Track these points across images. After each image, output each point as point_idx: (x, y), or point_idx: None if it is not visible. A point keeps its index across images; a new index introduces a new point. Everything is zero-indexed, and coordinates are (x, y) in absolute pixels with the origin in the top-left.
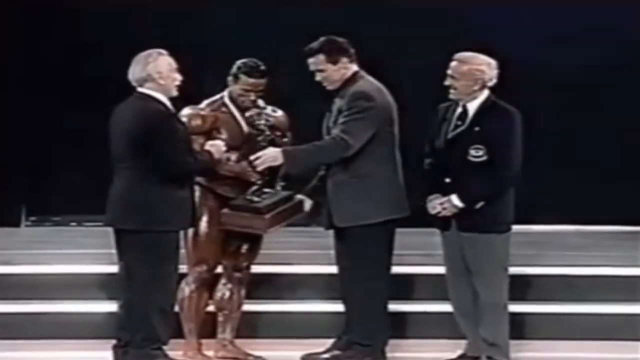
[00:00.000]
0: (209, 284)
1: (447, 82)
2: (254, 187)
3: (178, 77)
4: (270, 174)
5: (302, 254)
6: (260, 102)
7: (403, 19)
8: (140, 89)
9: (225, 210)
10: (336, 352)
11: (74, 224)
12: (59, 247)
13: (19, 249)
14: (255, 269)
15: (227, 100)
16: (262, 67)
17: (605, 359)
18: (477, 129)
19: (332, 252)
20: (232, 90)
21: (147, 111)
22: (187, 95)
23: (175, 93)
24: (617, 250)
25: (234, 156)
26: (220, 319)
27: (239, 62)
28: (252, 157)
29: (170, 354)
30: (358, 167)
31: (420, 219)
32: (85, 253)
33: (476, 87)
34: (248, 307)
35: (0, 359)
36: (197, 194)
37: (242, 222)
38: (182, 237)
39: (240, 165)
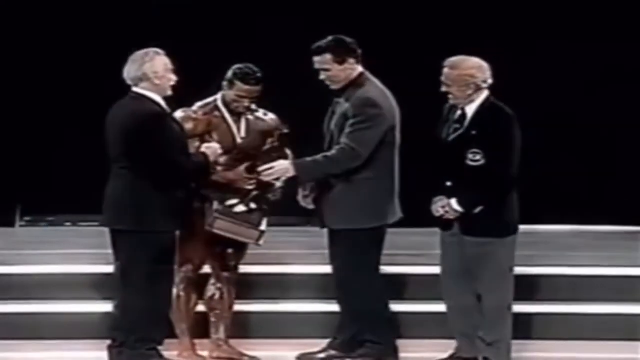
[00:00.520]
0: (196, 284)
1: (442, 89)
2: (251, 195)
3: (173, 78)
4: (263, 184)
5: (296, 253)
6: (253, 106)
7: None
8: (135, 89)
9: (219, 216)
10: (332, 352)
11: (68, 224)
12: (54, 247)
13: (13, 249)
14: (250, 269)
15: (220, 103)
16: (259, 74)
17: (606, 359)
18: (474, 132)
19: (327, 252)
20: (226, 95)
21: (142, 112)
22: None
23: (169, 93)
24: (618, 251)
25: (222, 159)
26: (212, 319)
27: (234, 68)
28: (262, 168)
29: (165, 354)
30: (356, 171)
31: (414, 218)
32: (80, 253)
33: (470, 91)
34: (242, 307)
35: None
36: None
37: (237, 230)
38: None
39: (235, 172)
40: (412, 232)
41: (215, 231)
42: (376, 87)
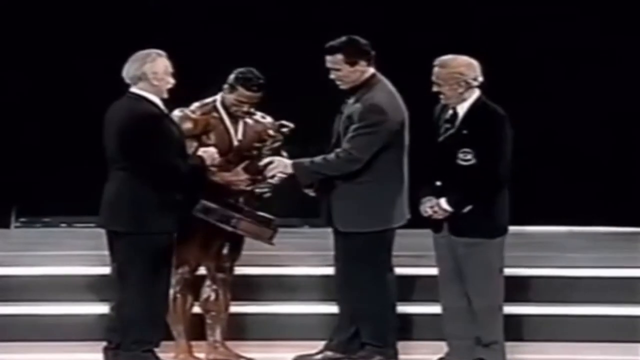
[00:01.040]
0: (192, 285)
1: (434, 89)
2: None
3: (171, 81)
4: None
5: (294, 255)
6: (252, 110)
7: None
8: (132, 89)
9: (242, 217)
10: (329, 354)
11: (64, 225)
12: (49, 249)
13: (8, 250)
14: (247, 270)
15: (219, 105)
16: (261, 81)
17: None
18: (465, 132)
19: (325, 253)
20: (226, 98)
21: (140, 112)
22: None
23: (166, 95)
24: (616, 252)
25: (217, 160)
26: (208, 321)
27: (237, 72)
28: (264, 161)
29: (162, 356)
30: (364, 172)
31: (415, 220)
32: (76, 254)
33: (461, 90)
34: (239, 309)
35: None
36: None
37: (256, 230)
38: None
39: (234, 172)
40: (412, 232)
41: (239, 232)
42: (385, 91)
